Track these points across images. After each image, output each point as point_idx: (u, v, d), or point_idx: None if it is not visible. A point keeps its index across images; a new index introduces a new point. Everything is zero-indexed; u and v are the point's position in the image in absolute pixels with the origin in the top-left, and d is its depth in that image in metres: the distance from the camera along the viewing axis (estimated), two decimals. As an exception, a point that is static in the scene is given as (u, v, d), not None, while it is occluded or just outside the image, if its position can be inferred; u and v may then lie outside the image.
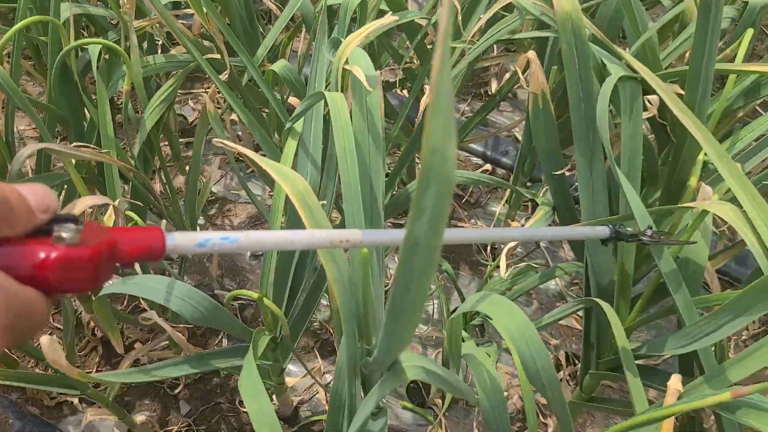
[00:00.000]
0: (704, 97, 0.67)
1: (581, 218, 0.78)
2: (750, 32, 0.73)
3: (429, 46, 1.05)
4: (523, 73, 0.79)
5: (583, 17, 0.66)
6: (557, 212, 0.87)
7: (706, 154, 0.69)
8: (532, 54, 0.75)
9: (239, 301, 1.25)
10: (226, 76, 0.96)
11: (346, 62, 0.69)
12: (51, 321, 1.20)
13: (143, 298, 0.92)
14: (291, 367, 1.17)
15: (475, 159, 1.42)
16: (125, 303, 1.22)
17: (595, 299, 0.80)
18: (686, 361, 0.78)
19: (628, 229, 0.66)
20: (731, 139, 0.78)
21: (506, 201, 1.23)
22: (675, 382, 0.66)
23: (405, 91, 1.43)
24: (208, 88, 1.42)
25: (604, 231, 0.65)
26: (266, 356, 0.93)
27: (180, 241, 0.37)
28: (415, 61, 1.12)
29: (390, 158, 1.36)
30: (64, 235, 0.32)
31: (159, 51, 1.21)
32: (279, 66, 0.84)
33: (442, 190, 0.33)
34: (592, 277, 0.81)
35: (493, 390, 0.67)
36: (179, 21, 0.98)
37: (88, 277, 0.32)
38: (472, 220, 1.34)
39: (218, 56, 0.95)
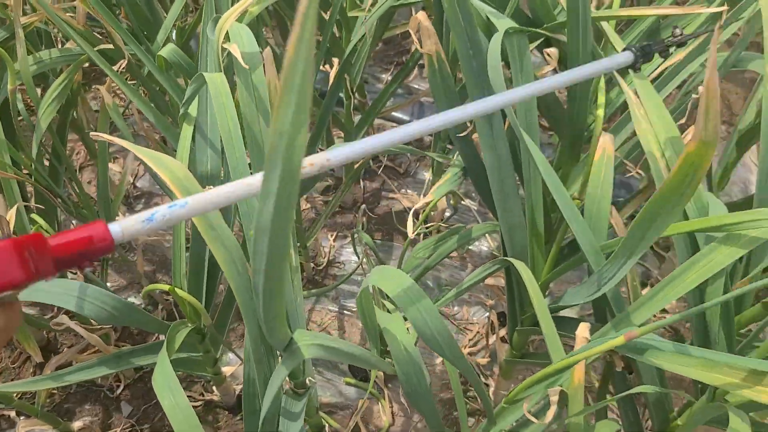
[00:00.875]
0: (585, 42, 0.67)
1: (490, 178, 0.78)
2: None
3: (351, 15, 1.03)
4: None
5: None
6: (469, 173, 0.86)
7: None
8: (421, 15, 0.74)
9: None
10: (124, 65, 0.92)
11: (227, 40, 0.67)
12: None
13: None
14: (232, 355, 1.16)
15: (402, 128, 1.41)
16: (55, 309, 1.19)
17: (508, 258, 0.80)
18: (600, 309, 0.79)
19: (649, 43, 0.65)
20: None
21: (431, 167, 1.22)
22: (582, 330, 0.67)
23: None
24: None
25: (627, 57, 0.63)
26: (195, 348, 0.91)
27: (126, 223, 0.37)
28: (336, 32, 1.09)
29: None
30: None
31: (60, 45, 1.16)
32: (167, 51, 0.81)
33: (287, 175, 0.32)
34: (506, 235, 0.81)
35: (407, 359, 0.67)
36: (68, 14, 0.94)
37: (14, 269, 0.33)
38: (403, 190, 1.34)
39: (112, 46, 0.91)
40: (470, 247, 1.27)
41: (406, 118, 1.40)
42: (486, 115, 0.74)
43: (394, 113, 1.39)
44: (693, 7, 0.72)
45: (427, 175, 1.31)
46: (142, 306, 1.20)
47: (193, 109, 0.78)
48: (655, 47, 0.66)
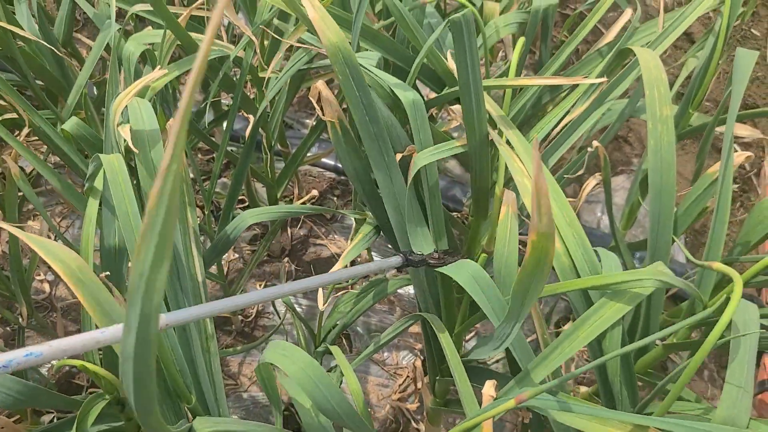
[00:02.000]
0: (479, 109, 0.70)
1: (397, 236, 0.80)
2: (521, 41, 0.76)
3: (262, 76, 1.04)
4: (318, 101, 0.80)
5: (350, 47, 0.66)
6: (382, 231, 0.88)
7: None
8: (320, 84, 0.75)
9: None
10: (26, 133, 0.91)
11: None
12: None
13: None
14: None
15: (328, 173, 1.42)
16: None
17: (421, 313, 0.82)
18: (513, 361, 0.81)
19: (419, 253, 0.68)
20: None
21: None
22: (488, 387, 0.69)
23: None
24: (33, 139, 1.35)
25: (396, 261, 0.67)
26: (117, 417, 0.90)
27: None
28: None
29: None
30: None
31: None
32: (71, 124, 0.80)
33: (145, 314, 0.32)
34: (417, 289, 0.83)
35: (319, 427, 0.67)
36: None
37: None
38: (330, 236, 1.35)
39: (16, 116, 0.90)
40: (400, 291, 1.29)
41: (330, 162, 1.41)
42: (386, 178, 0.76)
43: (323, 159, 1.40)
44: (575, 78, 0.76)
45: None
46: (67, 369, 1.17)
47: (99, 182, 0.77)
48: (419, 263, 0.74)
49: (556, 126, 0.87)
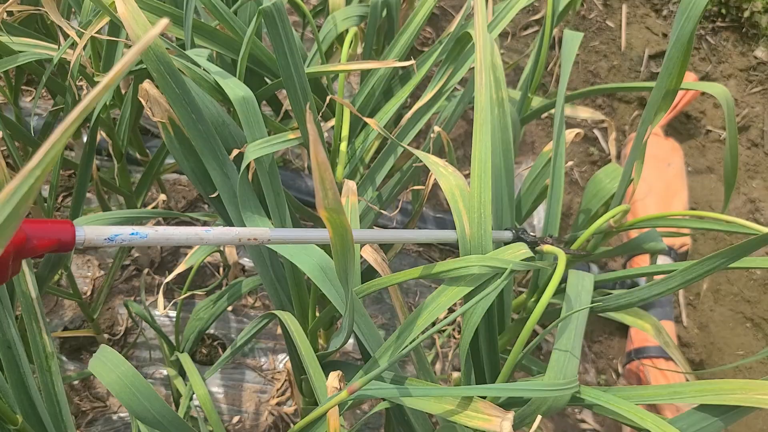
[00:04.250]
0: (305, 97, 0.69)
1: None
2: (353, 31, 0.76)
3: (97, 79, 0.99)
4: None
5: (162, 44, 0.64)
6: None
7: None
8: (147, 83, 0.72)
9: None
10: None
11: None
12: None
13: None
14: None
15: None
16: None
17: (272, 311, 0.81)
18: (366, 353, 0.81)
19: (532, 234, 0.71)
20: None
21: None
22: (332, 379, 0.68)
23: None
24: None
25: (507, 235, 0.70)
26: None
27: (90, 234, 0.39)
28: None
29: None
30: None
31: None
32: None
33: None
34: (269, 288, 0.81)
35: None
36: None
37: None
38: (202, 244, 1.31)
39: None
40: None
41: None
42: (222, 175, 0.74)
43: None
44: (387, 62, 0.77)
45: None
46: None
47: None
48: (530, 243, 0.72)
49: (401, 112, 0.87)
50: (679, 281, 0.62)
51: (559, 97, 0.80)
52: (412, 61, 0.75)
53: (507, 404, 0.69)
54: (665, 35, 1.76)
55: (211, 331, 1.20)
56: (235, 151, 0.75)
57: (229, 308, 1.22)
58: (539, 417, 0.54)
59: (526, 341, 0.58)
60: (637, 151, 0.79)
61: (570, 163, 1.47)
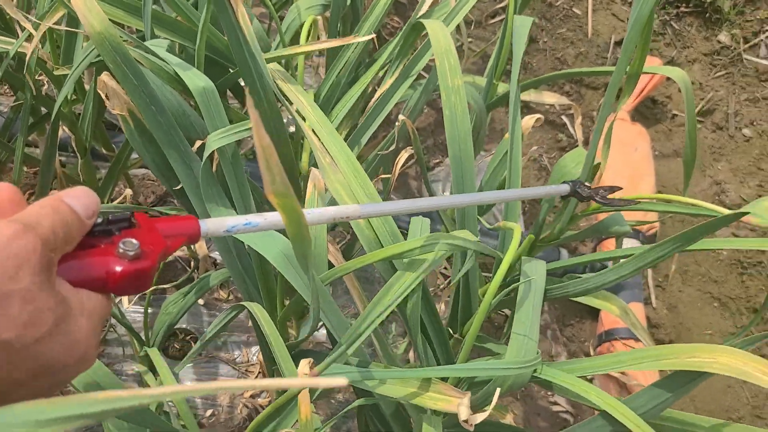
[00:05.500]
0: (263, 83, 0.69)
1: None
2: (311, 18, 0.76)
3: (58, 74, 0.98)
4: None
5: (117, 34, 0.63)
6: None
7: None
8: (105, 75, 0.72)
9: None
10: None
11: None
12: None
13: None
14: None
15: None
16: None
17: (241, 303, 0.81)
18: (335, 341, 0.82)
19: (587, 184, 0.72)
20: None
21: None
22: (302, 367, 0.69)
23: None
24: None
25: (564, 188, 0.71)
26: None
27: (211, 227, 0.42)
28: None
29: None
30: (129, 252, 0.35)
31: None
32: None
33: None
34: (236, 280, 0.81)
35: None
36: None
37: (146, 284, 0.37)
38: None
39: None
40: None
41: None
42: (186, 167, 0.74)
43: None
44: (346, 39, 0.77)
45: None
46: None
47: None
48: (586, 196, 0.74)
49: (364, 100, 0.88)
50: (631, 268, 0.64)
51: (512, 84, 0.80)
52: (372, 35, 0.75)
53: (473, 384, 0.70)
54: (631, 21, 1.78)
55: (184, 325, 1.19)
56: (198, 142, 0.75)
57: (201, 302, 1.22)
58: (498, 391, 0.55)
59: (481, 322, 0.59)
60: (599, 135, 0.80)
61: (535, 148, 1.48)
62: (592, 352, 1.36)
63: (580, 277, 0.76)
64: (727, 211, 0.68)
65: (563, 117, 1.62)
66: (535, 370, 0.62)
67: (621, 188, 0.78)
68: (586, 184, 0.76)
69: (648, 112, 1.70)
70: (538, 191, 0.75)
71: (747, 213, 0.53)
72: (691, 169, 0.89)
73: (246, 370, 1.16)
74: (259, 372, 1.15)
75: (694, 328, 1.46)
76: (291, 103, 0.73)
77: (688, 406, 1.35)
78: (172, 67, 0.72)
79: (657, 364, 0.56)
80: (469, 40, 1.60)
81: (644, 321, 1.35)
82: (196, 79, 0.72)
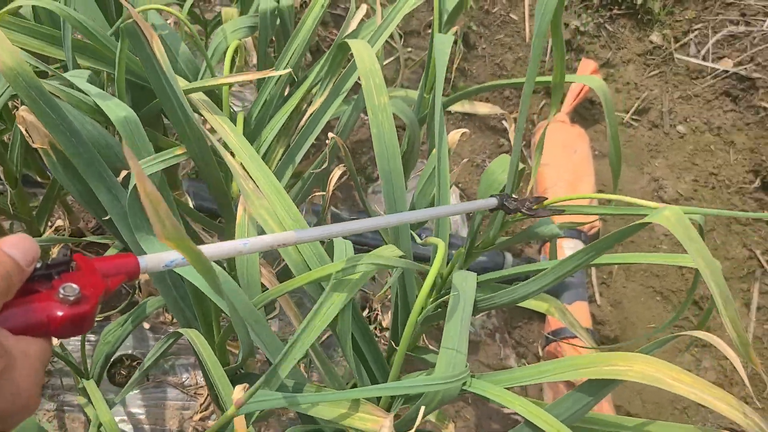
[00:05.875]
0: (184, 112, 0.69)
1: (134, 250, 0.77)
2: (235, 43, 0.76)
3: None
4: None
5: (30, 69, 0.63)
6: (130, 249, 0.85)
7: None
8: (23, 110, 0.71)
9: None
10: None
11: None
12: None
13: None
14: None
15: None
16: None
17: (177, 330, 0.80)
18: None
19: (513, 196, 0.73)
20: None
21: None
22: (237, 392, 0.69)
23: None
24: None
25: (491, 202, 0.71)
26: None
27: (150, 263, 0.42)
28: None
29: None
30: (69, 296, 0.36)
31: None
32: None
33: None
34: (172, 308, 0.81)
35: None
36: None
37: (87, 326, 0.38)
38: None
39: None
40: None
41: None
42: (109, 195, 0.73)
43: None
44: (265, 72, 0.77)
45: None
46: None
47: None
48: (513, 205, 0.75)
49: (293, 121, 0.88)
50: (552, 277, 0.66)
51: (437, 103, 0.81)
52: (288, 70, 0.76)
53: (409, 399, 0.71)
54: (567, 25, 1.82)
55: (130, 351, 1.18)
56: (123, 172, 0.75)
57: (147, 326, 1.21)
58: (422, 409, 0.56)
59: (409, 338, 0.60)
60: (519, 141, 0.82)
61: (465, 161, 1.51)
62: (540, 353, 1.39)
63: (507, 288, 0.78)
64: (655, 205, 0.71)
65: (504, 122, 1.66)
66: (464, 384, 0.64)
67: (546, 198, 0.81)
68: (513, 196, 0.78)
69: (587, 113, 1.75)
70: (466, 206, 0.77)
71: (649, 223, 0.55)
72: (617, 170, 0.93)
73: (195, 393, 1.15)
74: (208, 395, 1.14)
75: (638, 322, 1.50)
76: (214, 132, 0.73)
77: (635, 399, 1.39)
78: (92, 98, 0.72)
79: (577, 374, 0.58)
80: (409, 50, 1.62)
81: (589, 319, 1.38)
82: (116, 109, 0.71)
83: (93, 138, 0.71)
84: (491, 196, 0.77)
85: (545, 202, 0.83)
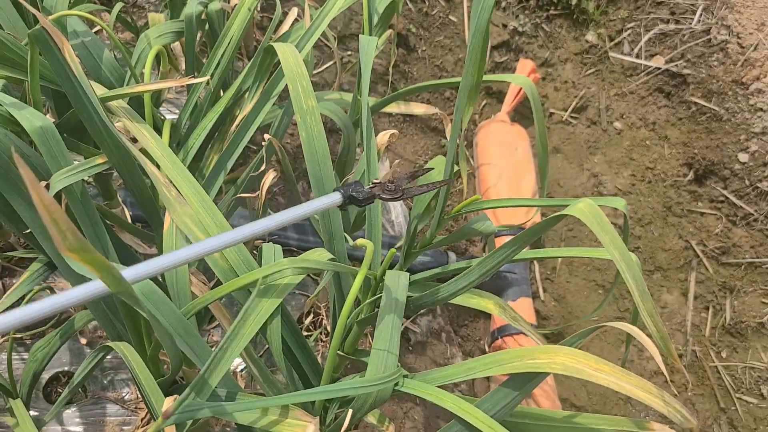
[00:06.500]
0: (101, 120, 0.67)
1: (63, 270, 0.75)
2: (156, 47, 0.75)
3: None
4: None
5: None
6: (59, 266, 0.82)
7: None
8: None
9: None
10: None
11: None
12: None
13: None
14: None
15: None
16: None
17: (107, 344, 0.78)
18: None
19: (361, 184, 0.63)
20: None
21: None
22: (167, 403, 0.67)
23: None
24: None
25: (335, 198, 0.62)
26: None
27: None
28: None
29: None
30: None
31: None
32: None
33: None
34: (100, 320, 0.79)
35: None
36: None
37: None
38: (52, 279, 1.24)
39: None
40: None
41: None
42: (30, 209, 0.71)
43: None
44: (181, 80, 0.76)
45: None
46: None
47: None
48: (364, 194, 0.65)
49: (227, 127, 0.87)
50: (477, 274, 0.66)
51: (363, 106, 0.81)
52: (207, 77, 0.75)
53: (343, 404, 0.71)
54: (505, 26, 1.85)
55: (66, 368, 1.14)
56: (42, 184, 0.72)
57: (84, 341, 1.17)
58: (350, 412, 0.56)
59: (339, 341, 0.60)
60: (455, 141, 0.82)
61: (398, 161, 1.52)
62: (487, 349, 1.40)
63: (438, 287, 0.78)
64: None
65: (444, 122, 1.67)
66: (396, 384, 0.64)
67: (425, 171, 0.72)
68: (361, 183, 0.66)
69: (527, 112, 1.78)
70: (311, 206, 0.64)
71: (567, 215, 0.56)
72: (545, 171, 0.94)
73: (135, 408, 1.12)
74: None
75: (582, 315, 1.53)
76: (135, 141, 0.72)
77: (581, 391, 1.42)
78: (6, 108, 0.69)
79: (502, 369, 0.58)
80: (348, 53, 1.62)
81: (533, 315, 1.40)
82: (32, 119, 0.69)
83: (6, 150, 0.68)
84: (334, 189, 0.66)
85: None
